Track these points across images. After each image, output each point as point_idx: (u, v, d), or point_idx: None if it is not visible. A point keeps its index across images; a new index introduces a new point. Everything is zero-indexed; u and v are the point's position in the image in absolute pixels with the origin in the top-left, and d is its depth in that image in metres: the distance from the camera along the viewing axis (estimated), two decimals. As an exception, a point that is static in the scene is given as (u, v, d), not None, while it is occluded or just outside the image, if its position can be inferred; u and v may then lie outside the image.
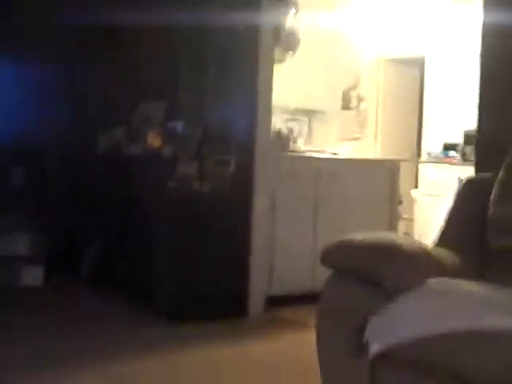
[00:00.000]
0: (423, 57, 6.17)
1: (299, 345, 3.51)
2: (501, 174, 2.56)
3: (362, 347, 2.08)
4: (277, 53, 4.41)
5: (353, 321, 2.14)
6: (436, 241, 2.62)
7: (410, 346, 1.93)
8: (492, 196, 2.51)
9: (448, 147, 5.92)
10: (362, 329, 2.07)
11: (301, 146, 4.94)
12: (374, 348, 1.98)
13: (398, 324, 1.98)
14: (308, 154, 4.80)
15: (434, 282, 2.09)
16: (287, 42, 4.82)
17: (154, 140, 4.16)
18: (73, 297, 4.39)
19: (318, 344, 2.26)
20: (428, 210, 5.78)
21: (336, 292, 2.27)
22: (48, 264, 4.68)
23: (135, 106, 4.55)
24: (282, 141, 4.57)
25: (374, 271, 2.14)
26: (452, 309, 1.95)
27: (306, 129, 5.42)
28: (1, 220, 4.70)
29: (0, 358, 3.05)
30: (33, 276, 4.64)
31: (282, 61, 4.80)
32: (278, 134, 4.61)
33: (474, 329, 1.85)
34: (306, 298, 4.14)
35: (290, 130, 4.82)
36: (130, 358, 3.12)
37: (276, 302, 4.16)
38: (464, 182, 2.76)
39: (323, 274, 2.58)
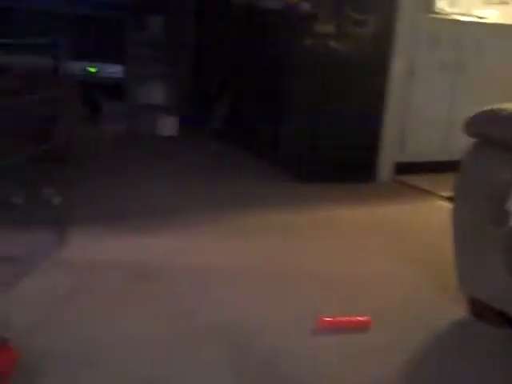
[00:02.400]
0: None
1: (426, 211, 3.52)
2: None
3: (499, 217, 2.06)
4: None
5: (494, 190, 2.11)
6: None
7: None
8: None
9: None
10: (502, 198, 2.04)
11: (445, 7, 4.65)
12: None
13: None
14: (452, 17, 4.52)
15: None
16: None
17: (293, -5, 4.05)
18: (203, 148, 4.55)
19: (453, 209, 2.26)
20: None
21: (478, 161, 2.22)
22: (181, 114, 4.84)
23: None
24: (426, 1, 4.31)
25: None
26: None
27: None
28: (138, 69, 4.85)
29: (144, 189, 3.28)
30: (168, 126, 4.83)
31: None
32: (423, -7, 4.34)
33: None
34: (437, 167, 4.11)
35: (436, -11, 4.53)
36: (257, 212, 3.25)
37: (405, 169, 4.14)
38: None
39: (456, 143, 2.52)
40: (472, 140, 2.26)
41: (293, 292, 2.35)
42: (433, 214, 3.43)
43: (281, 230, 3.01)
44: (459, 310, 2.28)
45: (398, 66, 3.94)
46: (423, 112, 4.14)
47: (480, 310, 2.24)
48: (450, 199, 2.34)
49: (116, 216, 2.94)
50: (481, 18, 4.63)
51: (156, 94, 4.90)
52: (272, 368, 1.83)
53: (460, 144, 2.33)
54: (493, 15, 4.89)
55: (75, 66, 4.46)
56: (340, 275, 2.55)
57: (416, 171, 4.14)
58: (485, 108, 2.22)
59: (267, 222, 3.10)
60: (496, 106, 2.21)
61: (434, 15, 4.40)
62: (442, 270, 2.45)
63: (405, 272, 2.65)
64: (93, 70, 4.58)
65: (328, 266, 2.63)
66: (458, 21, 4.43)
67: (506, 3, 5.51)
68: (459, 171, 2.29)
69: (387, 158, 4.06)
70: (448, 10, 4.65)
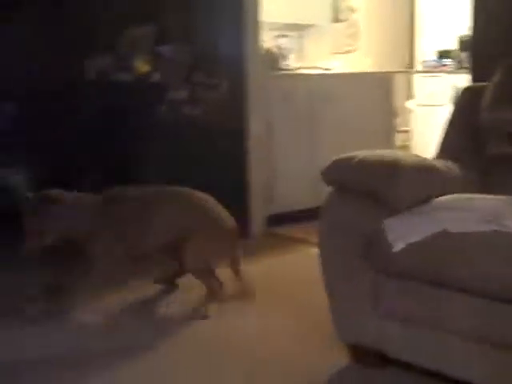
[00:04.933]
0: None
1: (303, 261, 3.55)
2: (494, 79, 2.52)
3: (364, 261, 2.11)
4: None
5: (355, 236, 2.15)
6: (436, 153, 2.61)
7: (424, 247, 1.97)
8: (484, 102, 2.49)
9: (442, 54, 5.79)
10: (366, 243, 2.09)
11: (292, 63, 4.83)
12: (398, 246, 2.01)
13: (415, 226, 2.03)
14: (300, 72, 4.71)
15: (440, 199, 2.11)
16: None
17: (142, 66, 4.06)
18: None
19: (321, 259, 2.28)
20: (424, 121, 5.73)
21: (336, 209, 2.27)
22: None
23: (121, 30, 4.40)
24: (273, 60, 4.47)
25: (375, 189, 2.13)
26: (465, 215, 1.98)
27: (296, 45, 5.30)
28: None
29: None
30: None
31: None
32: (268, 52, 4.49)
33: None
34: (308, 215, 4.17)
35: (280, 48, 4.70)
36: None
37: (277, 221, 4.18)
38: (461, 90, 2.72)
39: (323, 191, 2.56)
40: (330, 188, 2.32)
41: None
42: (308, 262, 3.45)
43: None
44: (341, 358, 2.28)
45: (254, 124, 4.01)
46: (287, 164, 4.23)
47: (360, 355, 2.25)
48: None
49: None
50: (327, 69, 4.85)
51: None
52: None
53: (325, 190, 2.38)
54: (338, 65, 5.14)
55: None
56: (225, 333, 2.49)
57: (288, 221, 4.19)
58: (337, 157, 2.29)
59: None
60: (347, 155, 2.28)
61: (283, 72, 4.56)
62: (323, 320, 2.44)
63: (284, 327, 2.62)
64: None
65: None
66: (306, 75, 4.61)
67: (350, 52, 5.83)
68: (321, 219, 2.32)
69: (257, 213, 4.08)
70: (295, 65, 4.85)
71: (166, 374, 2.25)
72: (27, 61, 4.59)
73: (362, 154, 2.26)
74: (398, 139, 5.27)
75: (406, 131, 5.81)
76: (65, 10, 4.49)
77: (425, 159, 2.35)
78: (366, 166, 2.18)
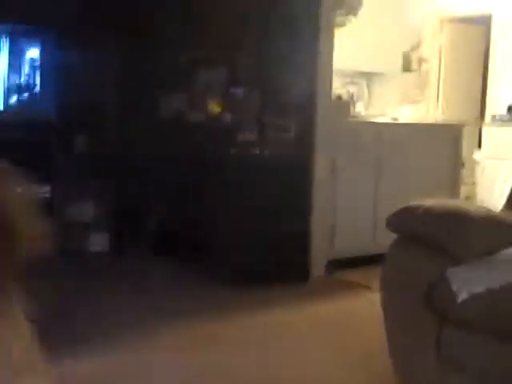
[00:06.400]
0: (490, 15, 5.97)
1: (362, 306, 3.54)
2: None
3: (427, 309, 2.11)
4: (339, 16, 4.35)
5: (418, 284, 2.16)
6: (504, 205, 2.60)
7: (490, 298, 1.96)
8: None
9: (513, 108, 5.76)
10: (429, 291, 2.10)
11: (361, 110, 4.90)
12: (463, 295, 2.01)
13: (480, 276, 2.03)
14: (368, 120, 4.76)
15: (508, 251, 2.10)
16: (350, 3, 4.73)
17: (214, 107, 4.19)
18: (139, 262, 4.49)
19: (383, 306, 2.29)
20: (491, 174, 5.68)
21: (401, 257, 2.29)
22: (113, 230, 4.79)
23: (196, 71, 4.57)
24: (343, 106, 4.54)
25: (441, 240, 2.14)
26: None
27: (365, 92, 5.36)
28: (67, 188, 4.83)
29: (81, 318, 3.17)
30: (99, 242, 4.78)
31: (343, 25, 4.72)
32: (339, 98, 4.57)
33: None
34: (367, 261, 4.17)
35: (351, 95, 4.78)
36: (198, 322, 3.22)
37: (337, 265, 4.19)
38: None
39: (384, 237, 2.59)
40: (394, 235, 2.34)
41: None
42: (368, 307, 3.45)
43: (221, 342, 2.97)
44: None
45: (320, 167, 4.06)
46: (350, 209, 4.25)
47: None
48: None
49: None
50: (394, 118, 4.89)
51: (84, 211, 4.86)
52: None
53: (387, 237, 2.40)
54: (406, 114, 5.17)
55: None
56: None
57: (348, 267, 4.20)
58: (403, 206, 2.31)
59: (203, 334, 3.05)
60: (413, 204, 2.30)
61: (351, 118, 4.62)
62: (384, 365, 2.43)
63: (346, 375, 2.62)
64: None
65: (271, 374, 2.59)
66: (374, 123, 4.66)
67: (419, 102, 5.87)
68: (384, 266, 2.34)
69: (318, 255, 4.11)
70: (364, 113, 4.91)
71: None
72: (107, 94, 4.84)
73: (428, 203, 2.28)
74: (463, 191, 5.23)
75: (472, 183, 5.76)
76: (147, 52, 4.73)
77: (492, 210, 2.35)
78: (432, 215, 2.19)
